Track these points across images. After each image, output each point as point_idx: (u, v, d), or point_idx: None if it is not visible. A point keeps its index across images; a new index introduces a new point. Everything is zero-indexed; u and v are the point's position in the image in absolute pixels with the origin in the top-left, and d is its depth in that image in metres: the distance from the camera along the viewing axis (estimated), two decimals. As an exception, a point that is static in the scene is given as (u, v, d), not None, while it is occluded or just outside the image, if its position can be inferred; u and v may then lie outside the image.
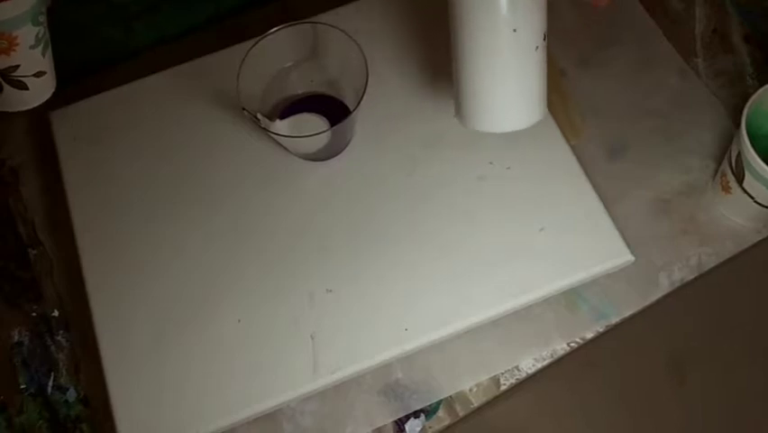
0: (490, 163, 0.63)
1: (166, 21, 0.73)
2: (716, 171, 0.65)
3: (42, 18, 0.63)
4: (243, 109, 0.59)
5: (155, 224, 0.62)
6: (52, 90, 0.69)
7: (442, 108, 0.61)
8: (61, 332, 0.63)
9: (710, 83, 0.69)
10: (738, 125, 0.56)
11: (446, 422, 0.59)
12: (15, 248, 0.66)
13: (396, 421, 0.59)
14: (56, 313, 0.63)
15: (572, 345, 0.60)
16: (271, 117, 0.62)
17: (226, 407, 0.56)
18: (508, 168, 0.63)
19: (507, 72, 0.51)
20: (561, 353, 0.60)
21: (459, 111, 0.55)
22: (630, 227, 0.62)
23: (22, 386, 0.61)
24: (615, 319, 0.61)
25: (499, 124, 0.53)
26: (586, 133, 0.67)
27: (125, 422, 0.56)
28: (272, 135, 0.59)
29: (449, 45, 0.53)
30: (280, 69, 0.63)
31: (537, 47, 0.51)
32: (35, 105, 0.69)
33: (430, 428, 0.59)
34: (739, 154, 0.57)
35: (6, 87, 0.65)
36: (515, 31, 0.50)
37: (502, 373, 0.60)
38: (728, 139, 0.66)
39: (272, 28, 0.60)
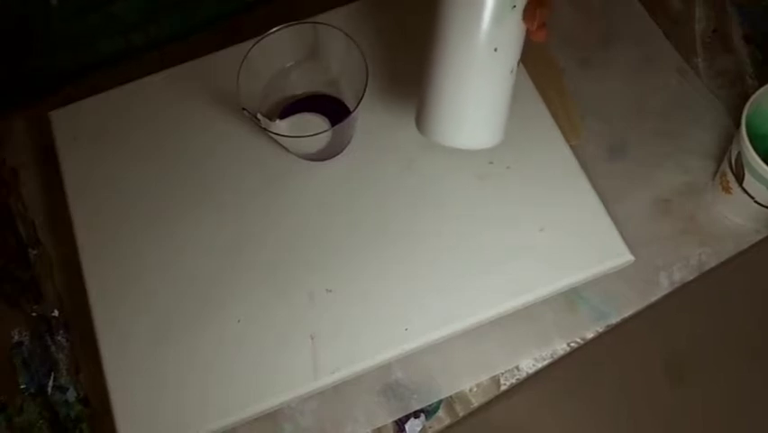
0: (490, 163, 0.63)
1: (164, 30, 0.73)
2: (716, 171, 0.65)
3: None
4: (243, 109, 0.59)
5: (155, 223, 0.62)
6: None
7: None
8: (61, 332, 0.63)
9: (710, 83, 0.69)
10: (738, 125, 0.56)
11: (446, 422, 0.59)
12: (15, 248, 0.66)
13: (396, 421, 0.59)
14: (56, 313, 0.63)
15: (572, 345, 0.60)
16: (271, 117, 0.62)
17: (226, 407, 0.56)
18: (508, 168, 0.63)
19: (480, 90, 0.52)
20: (561, 353, 0.60)
21: (422, 120, 0.55)
22: (630, 227, 0.62)
23: (22, 386, 0.61)
24: (615, 319, 0.61)
25: (461, 140, 0.54)
26: (586, 133, 0.67)
27: (125, 422, 0.56)
28: (272, 135, 0.59)
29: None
30: (280, 69, 0.63)
31: (512, 70, 0.52)
32: None
33: (430, 428, 0.59)
34: (739, 154, 0.57)
35: None
36: (495, 50, 0.50)
37: (502, 373, 0.60)
38: (728, 139, 0.66)
39: (272, 28, 0.60)
